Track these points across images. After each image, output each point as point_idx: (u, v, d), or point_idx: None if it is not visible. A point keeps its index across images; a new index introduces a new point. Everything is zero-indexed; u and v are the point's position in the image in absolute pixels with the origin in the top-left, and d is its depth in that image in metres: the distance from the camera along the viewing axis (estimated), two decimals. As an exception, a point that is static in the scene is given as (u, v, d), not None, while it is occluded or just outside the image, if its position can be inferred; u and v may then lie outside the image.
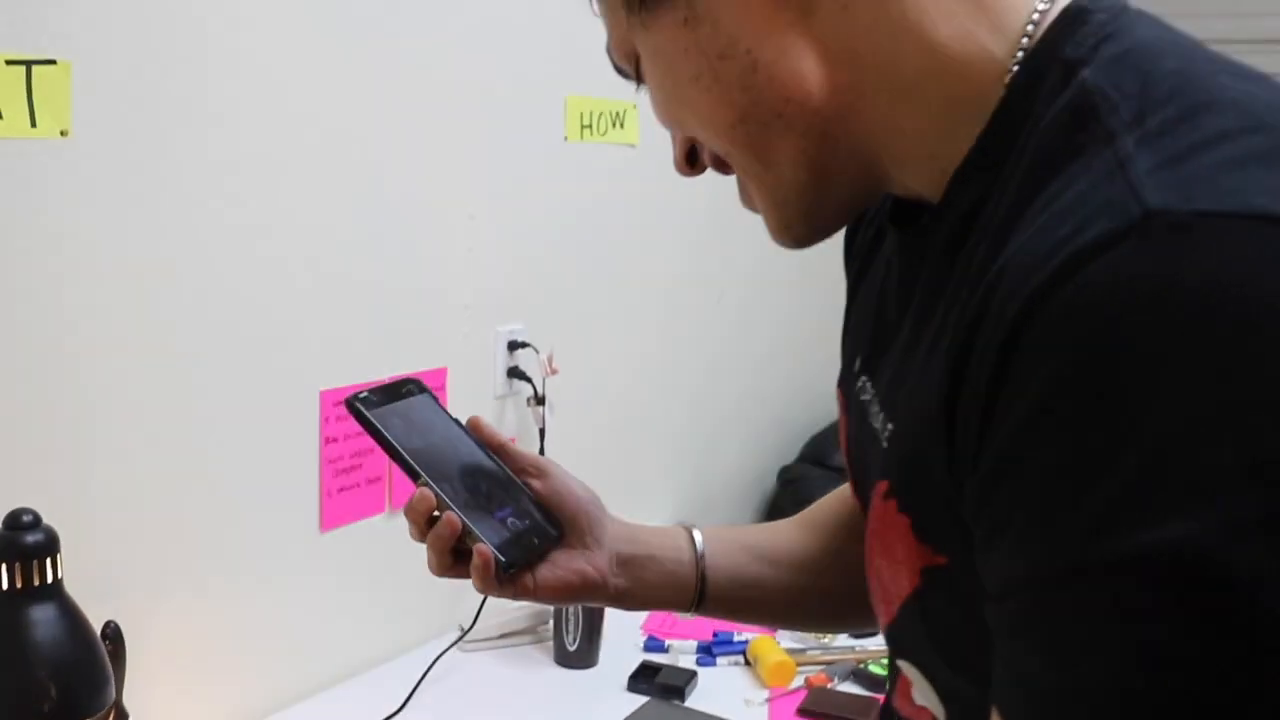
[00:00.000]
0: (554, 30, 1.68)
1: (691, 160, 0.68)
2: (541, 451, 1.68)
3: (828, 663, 1.55)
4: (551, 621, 1.57)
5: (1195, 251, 0.42)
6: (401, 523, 1.52)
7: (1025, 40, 0.55)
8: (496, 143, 1.61)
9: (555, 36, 1.69)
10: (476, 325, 1.61)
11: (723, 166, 0.66)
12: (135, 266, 1.17)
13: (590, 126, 1.78)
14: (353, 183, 1.40)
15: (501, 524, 0.77)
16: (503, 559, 0.74)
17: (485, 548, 0.74)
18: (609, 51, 0.67)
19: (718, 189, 2.25)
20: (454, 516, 0.74)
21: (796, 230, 0.64)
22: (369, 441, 1.52)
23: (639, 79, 0.66)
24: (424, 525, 0.76)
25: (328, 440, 1.40)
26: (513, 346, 1.66)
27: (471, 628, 1.56)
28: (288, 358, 1.35)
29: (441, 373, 1.54)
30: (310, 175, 1.35)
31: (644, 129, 1.88)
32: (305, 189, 1.34)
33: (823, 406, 2.57)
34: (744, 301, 2.26)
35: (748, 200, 0.66)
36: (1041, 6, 0.56)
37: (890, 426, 0.62)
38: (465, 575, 0.76)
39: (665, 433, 2.12)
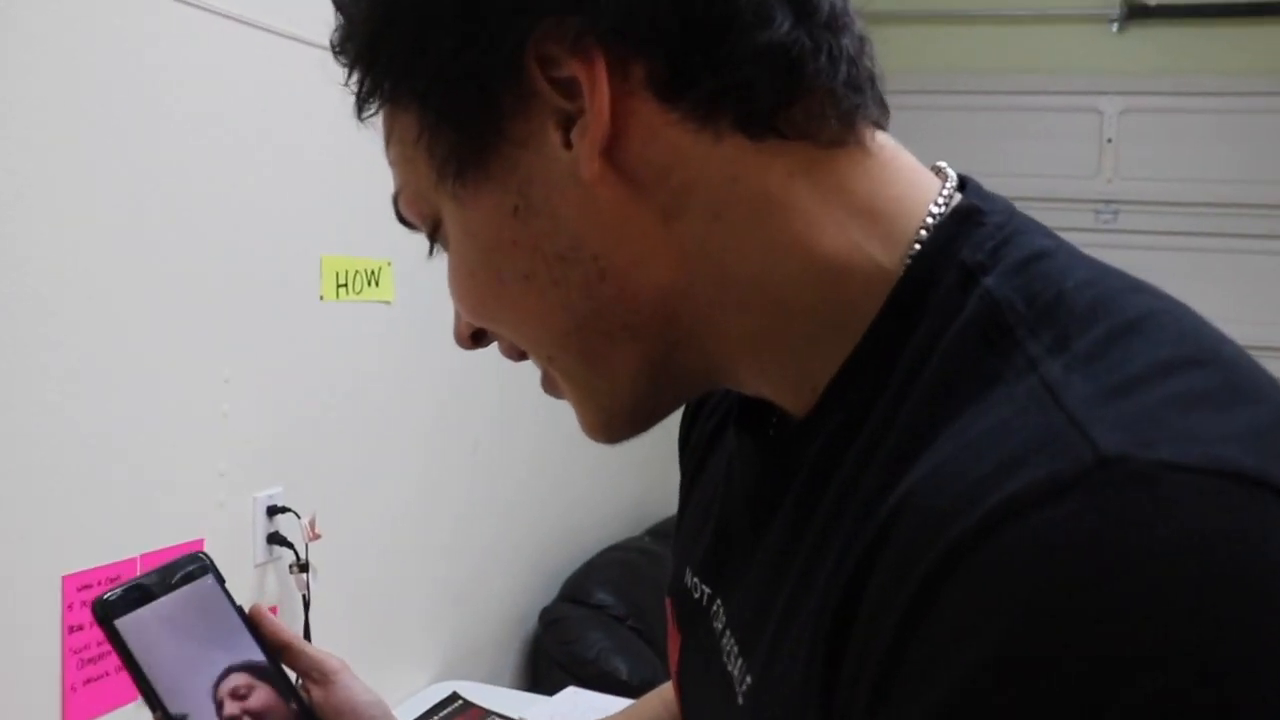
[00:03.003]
0: (308, 189, 1.69)
1: (478, 337, 0.58)
2: (306, 622, 1.62)
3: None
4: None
5: (1162, 513, 0.34)
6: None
7: (916, 246, 0.48)
8: (250, 303, 1.58)
9: (309, 195, 1.69)
10: (233, 492, 1.56)
11: (517, 355, 0.57)
12: None
13: (346, 285, 1.78)
14: (97, 347, 1.34)
15: None
16: None
17: None
18: (395, 201, 0.57)
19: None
20: None
21: (617, 432, 0.57)
22: None
23: (434, 241, 0.56)
24: None
25: (71, 629, 1.30)
26: (272, 512, 1.60)
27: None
28: (25, 541, 1.25)
29: (198, 544, 1.47)
30: (51, 336, 1.28)
31: (399, 286, 1.90)
32: (45, 352, 1.28)
33: (576, 546, 2.61)
34: (496, 449, 2.28)
35: (554, 390, 0.58)
36: (935, 210, 0.49)
37: (749, 680, 0.52)
38: None
39: (427, 585, 2.09)
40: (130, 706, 1.38)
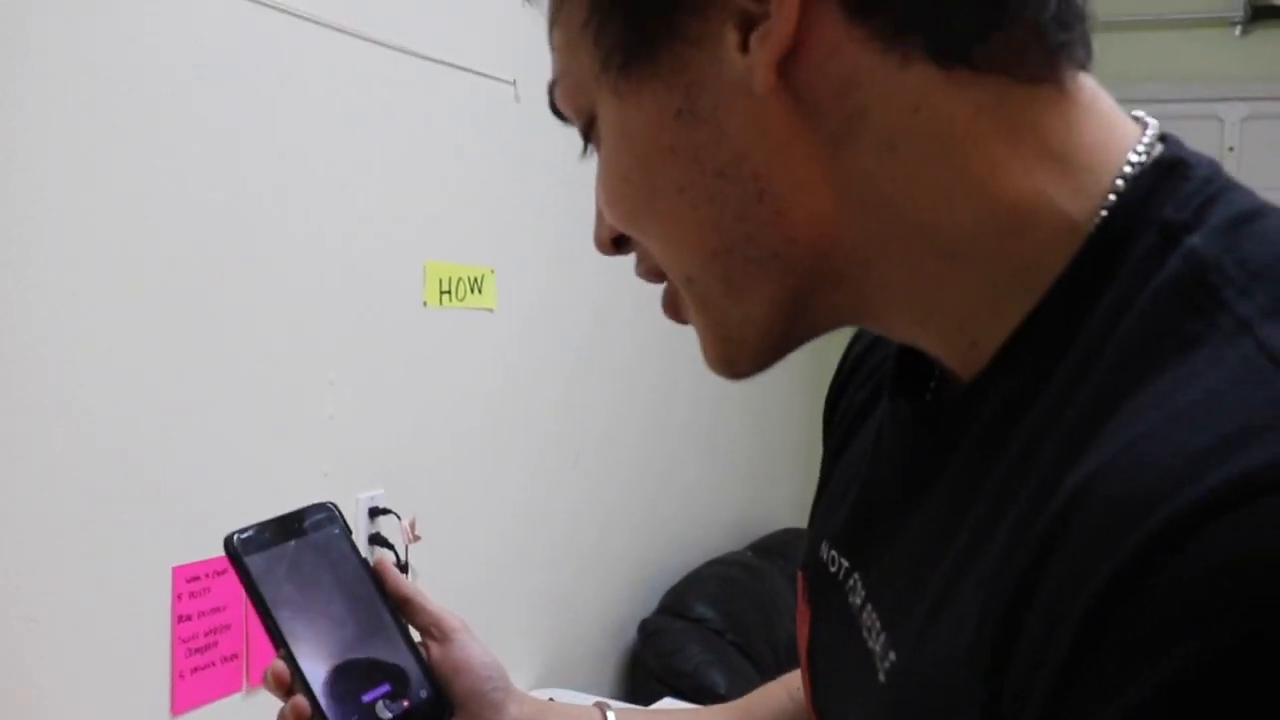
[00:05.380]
0: (413, 197, 1.72)
1: (620, 243, 0.55)
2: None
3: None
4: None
5: None
6: (260, 701, 1.46)
7: (1111, 198, 0.43)
8: (356, 307, 1.62)
9: (414, 203, 1.73)
10: (336, 493, 1.59)
11: (655, 276, 0.54)
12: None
13: (449, 292, 1.81)
14: (209, 347, 1.39)
15: (367, 710, 0.68)
16: None
17: None
18: (551, 90, 0.54)
19: (578, 352, 2.29)
20: (301, 702, 0.66)
21: (741, 367, 0.53)
22: (225, 618, 1.43)
23: (587, 139, 0.53)
24: (284, 698, 0.68)
25: (180, 618, 1.34)
26: (374, 513, 1.64)
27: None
28: (138, 534, 1.30)
29: (300, 542, 1.51)
30: (165, 338, 1.33)
31: (502, 294, 1.93)
32: (159, 352, 1.32)
33: (677, 559, 2.60)
34: (598, 461, 2.29)
35: (676, 314, 0.54)
36: (1135, 158, 0.44)
37: (893, 656, 0.48)
38: None
39: (527, 593, 2.10)
40: (236, 696, 1.42)
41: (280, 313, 1.49)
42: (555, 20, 0.51)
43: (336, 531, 0.73)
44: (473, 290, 1.87)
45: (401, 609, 0.73)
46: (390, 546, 1.65)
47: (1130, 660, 0.33)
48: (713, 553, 2.70)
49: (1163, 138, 0.46)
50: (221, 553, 1.36)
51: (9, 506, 1.16)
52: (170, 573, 1.33)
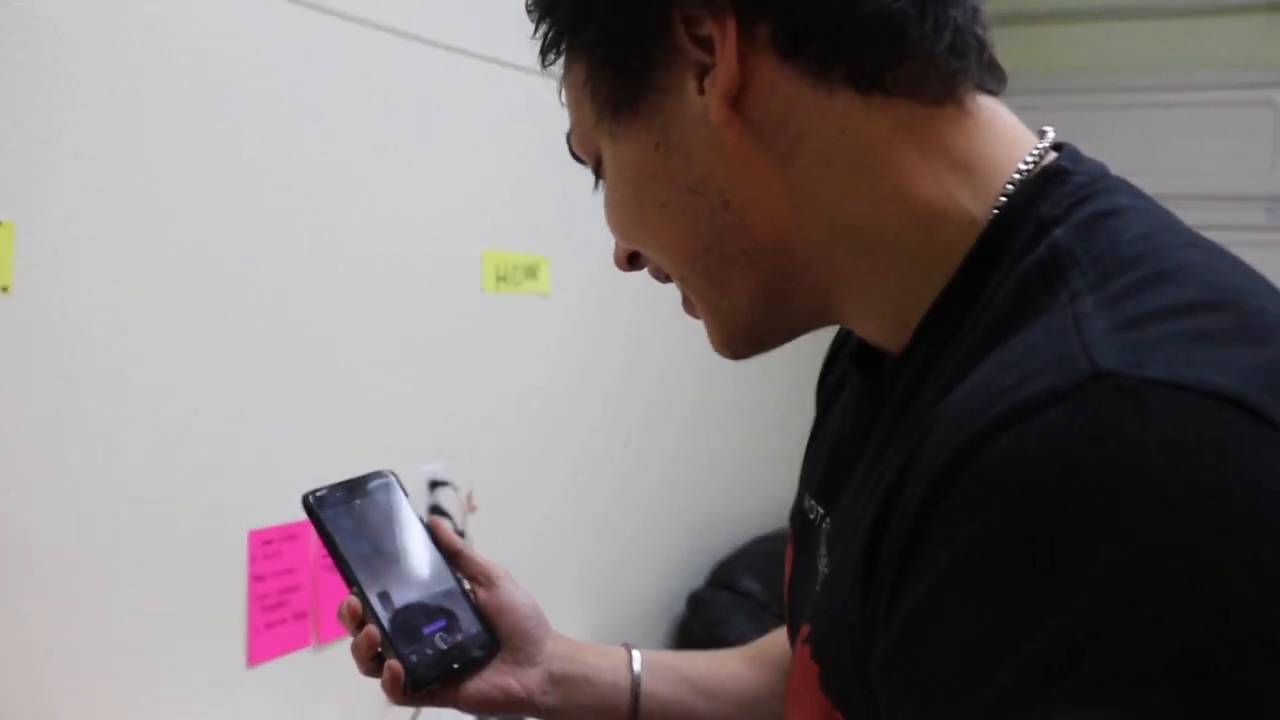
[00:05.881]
0: (472, 189, 1.83)
1: (633, 260, 0.68)
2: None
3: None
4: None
5: (1139, 419, 0.40)
6: (328, 655, 1.59)
7: (1002, 199, 0.54)
8: (417, 294, 1.73)
9: (473, 195, 1.83)
10: (398, 466, 1.68)
11: (664, 276, 0.66)
12: (70, 410, 1.26)
13: (505, 278, 1.91)
14: (281, 329, 1.51)
15: (427, 640, 0.79)
16: (411, 680, 0.76)
17: (397, 665, 0.76)
18: (568, 138, 0.66)
19: (629, 336, 2.37)
20: (373, 630, 0.77)
21: (739, 348, 0.65)
22: (295, 579, 1.54)
23: (598, 175, 0.65)
24: (355, 631, 0.79)
25: (255, 578, 1.47)
26: (434, 485, 1.75)
27: (394, 758, 1.61)
28: (217, 501, 1.42)
29: (365, 511, 1.62)
30: (244, 326, 1.45)
31: (555, 280, 2.03)
32: (239, 340, 1.45)
33: (728, 535, 2.69)
34: (648, 441, 2.39)
35: (690, 310, 0.66)
36: (1024, 167, 0.55)
37: (825, 571, 0.63)
38: None
39: (579, 564, 2.21)
40: (306, 650, 1.54)
41: (348, 299, 1.60)
42: (565, 81, 0.64)
43: (395, 493, 0.86)
44: (528, 277, 1.97)
45: (453, 559, 0.84)
46: (449, 516, 1.76)
47: (936, 546, 0.44)
48: (760, 530, 2.78)
49: (1058, 147, 0.57)
50: (291, 519, 1.48)
51: (107, 482, 1.28)
52: (246, 536, 1.46)
